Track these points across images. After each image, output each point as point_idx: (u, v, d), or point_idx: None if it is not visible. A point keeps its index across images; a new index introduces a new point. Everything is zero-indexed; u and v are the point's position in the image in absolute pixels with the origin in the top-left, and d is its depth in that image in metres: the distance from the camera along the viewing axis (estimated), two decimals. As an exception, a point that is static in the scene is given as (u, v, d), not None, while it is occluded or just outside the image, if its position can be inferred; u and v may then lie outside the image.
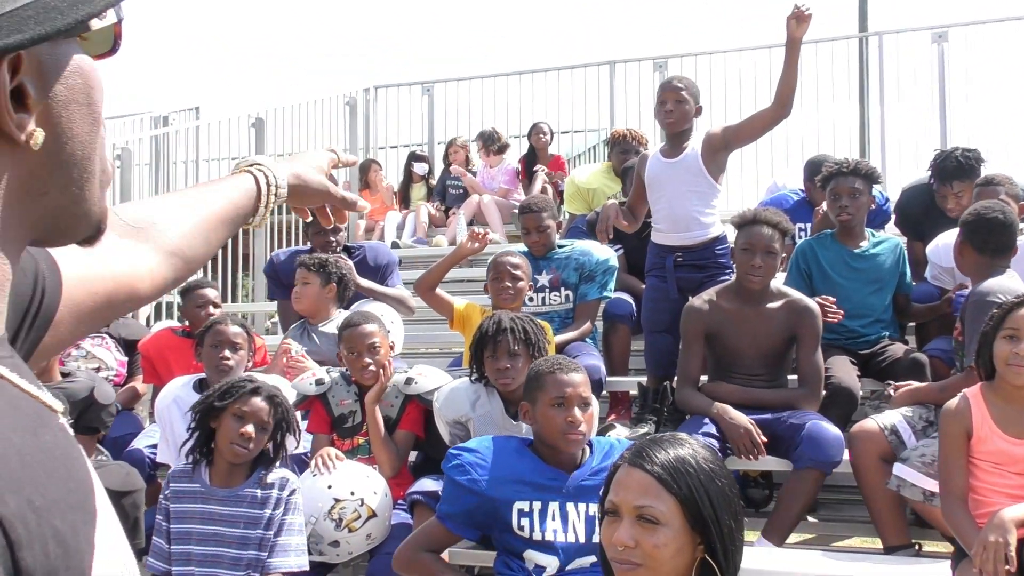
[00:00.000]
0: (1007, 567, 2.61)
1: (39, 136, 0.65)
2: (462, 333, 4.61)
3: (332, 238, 5.09)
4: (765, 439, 3.67)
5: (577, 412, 2.77)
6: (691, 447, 1.74)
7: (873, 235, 4.46)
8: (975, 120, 7.73)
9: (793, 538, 3.97)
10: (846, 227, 4.36)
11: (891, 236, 4.59)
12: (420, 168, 8.89)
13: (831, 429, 3.62)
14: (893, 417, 3.59)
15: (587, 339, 4.72)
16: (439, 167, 9.06)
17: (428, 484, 3.28)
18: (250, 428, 3.12)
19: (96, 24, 0.71)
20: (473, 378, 3.54)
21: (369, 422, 3.75)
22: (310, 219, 1.48)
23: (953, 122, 7.69)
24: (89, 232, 0.75)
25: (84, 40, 0.70)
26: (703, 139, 4.45)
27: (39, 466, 0.60)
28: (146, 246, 1.13)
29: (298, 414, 4.05)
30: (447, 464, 2.90)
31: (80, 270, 1.01)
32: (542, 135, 8.29)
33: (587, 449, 2.89)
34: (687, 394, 3.93)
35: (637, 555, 1.66)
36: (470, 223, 8.02)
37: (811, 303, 3.98)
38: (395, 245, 7.67)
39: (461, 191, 8.50)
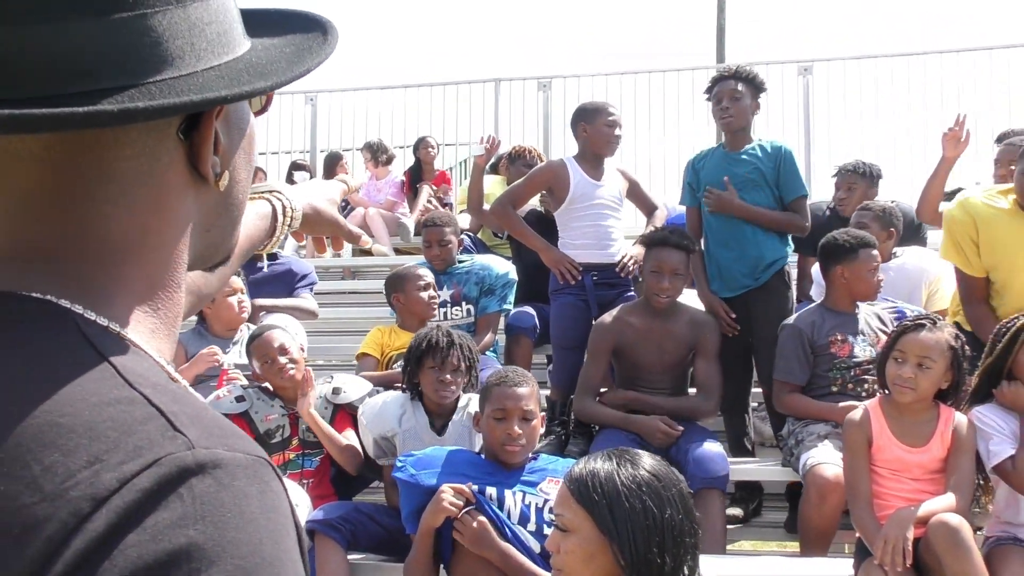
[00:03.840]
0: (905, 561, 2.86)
1: (226, 178, 0.71)
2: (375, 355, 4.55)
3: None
4: (681, 427, 3.82)
5: (516, 426, 2.87)
6: (621, 465, 1.75)
7: (760, 142, 4.45)
8: (837, 148, 8.34)
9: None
10: (729, 130, 4.40)
11: (775, 140, 4.56)
12: (301, 177, 8.77)
13: (711, 447, 3.79)
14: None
15: (489, 351, 4.83)
16: (321, 177, 8.98)
17: (324, 511, 3.36)
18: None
19: None
20: (403, 389, 3.55)
21: (314, 428, 3.65)
22: (303, 243, 1.49)
23: (816, 150, 8.27)
24: (217, 261, 0.80)
25: None
26: (619, 170, 4.79)
27: None
28: None
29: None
30: (395, 472, 2.95)
31: None
32: (430, 149, 8.32)
33: (532, 461, 2.99)
34: (587, 405, 4.05)
35: (557, 561, 1.77)
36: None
37: (710, 318, 4.20)
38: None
39: (344, 203, 8.44)
